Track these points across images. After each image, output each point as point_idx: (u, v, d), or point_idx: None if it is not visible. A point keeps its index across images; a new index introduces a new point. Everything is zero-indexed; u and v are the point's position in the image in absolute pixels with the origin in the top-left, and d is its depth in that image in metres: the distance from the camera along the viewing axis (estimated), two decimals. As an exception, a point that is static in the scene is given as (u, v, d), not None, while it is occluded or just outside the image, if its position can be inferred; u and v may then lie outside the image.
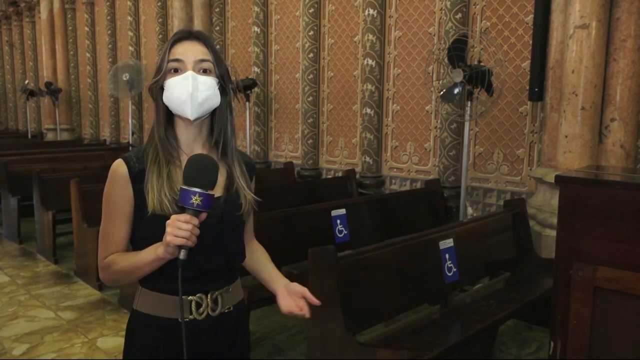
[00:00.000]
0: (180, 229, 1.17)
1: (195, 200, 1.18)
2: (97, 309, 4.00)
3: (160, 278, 1.32)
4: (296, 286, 1.45)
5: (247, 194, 1.41)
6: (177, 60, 1.33)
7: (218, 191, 1.37)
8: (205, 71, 1.34)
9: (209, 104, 1.34)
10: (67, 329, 3.62)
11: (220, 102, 1.37)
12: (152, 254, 1.26)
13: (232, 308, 1.43)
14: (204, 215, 1.21)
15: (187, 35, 1.36)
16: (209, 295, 1.37)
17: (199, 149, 1.39)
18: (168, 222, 1.19)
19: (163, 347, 1.35)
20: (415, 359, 2.27)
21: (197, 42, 1.35)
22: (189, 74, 1.31)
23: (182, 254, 1.19)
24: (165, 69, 1.34)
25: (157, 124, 1.37)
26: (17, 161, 6.41)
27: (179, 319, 1.27)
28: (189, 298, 1.34)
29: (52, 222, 5.11)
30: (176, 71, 1.33)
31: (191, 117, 1.32)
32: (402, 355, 2.20)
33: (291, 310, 1.40)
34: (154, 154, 1.34)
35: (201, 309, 1.36)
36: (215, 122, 1.39)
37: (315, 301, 1.41)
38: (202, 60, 1.34)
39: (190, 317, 1.35)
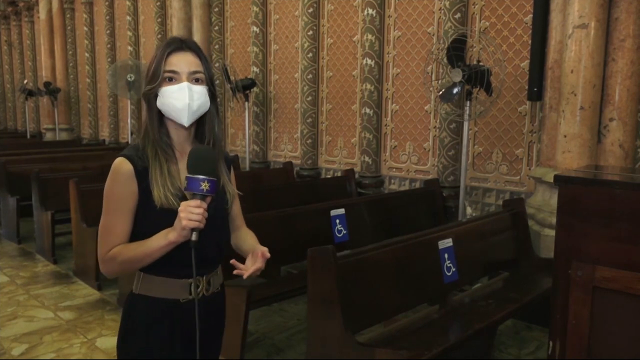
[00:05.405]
0: (193, 212, 1.31)
1: (204, 185, 1.31)
2: (96, 309, 4.00)
3: (164, 263, 1.43)
4: (259, 248, 1.54)
5: (231, 188, 1.59)
6: (172, 71, 1.45)
7: None
8: (197, 80, 1.47)
9: (202, 110, 1.48)
10: (66, 329, 3.62)
11: (210, 106, 1.51)
12: (163, 240, 1.37)
13: (219, 288, 1.60)
14: (209, 200, 1.35)
15: (180, 45, 1.47)
16: (204, 278, 1.52)
17: (188, 148, 1.48)
18: (180, 208, 1.33)
19: (162, 325, 1.47)
20: (414, 359, 2.27)
21: (190, 52, 1.48)
22: (185, 85, 1.44)
23: (194, 236, 1.33)
24: (161, 78, 1.45)
25: (151, 127, 1.49)
26: (16, 161, 6.41)
27: (182, 298, 1.47)
28: (189, 280, 1.47)
29: (51, 222, 5.11)
30: (171, 80, 1.45)
31: (186, 124, 1.46)
32: (401, 355, 2.20)
33: (243, 270, 1.45)
34: (153, 152, 1.46)
35: (198, 290, 1.50)
36: (207, 124, 1.52)
37: (267, 255, 1.49)
38: (196, 72, 1.47)
39: (190, 297, 1.49)
